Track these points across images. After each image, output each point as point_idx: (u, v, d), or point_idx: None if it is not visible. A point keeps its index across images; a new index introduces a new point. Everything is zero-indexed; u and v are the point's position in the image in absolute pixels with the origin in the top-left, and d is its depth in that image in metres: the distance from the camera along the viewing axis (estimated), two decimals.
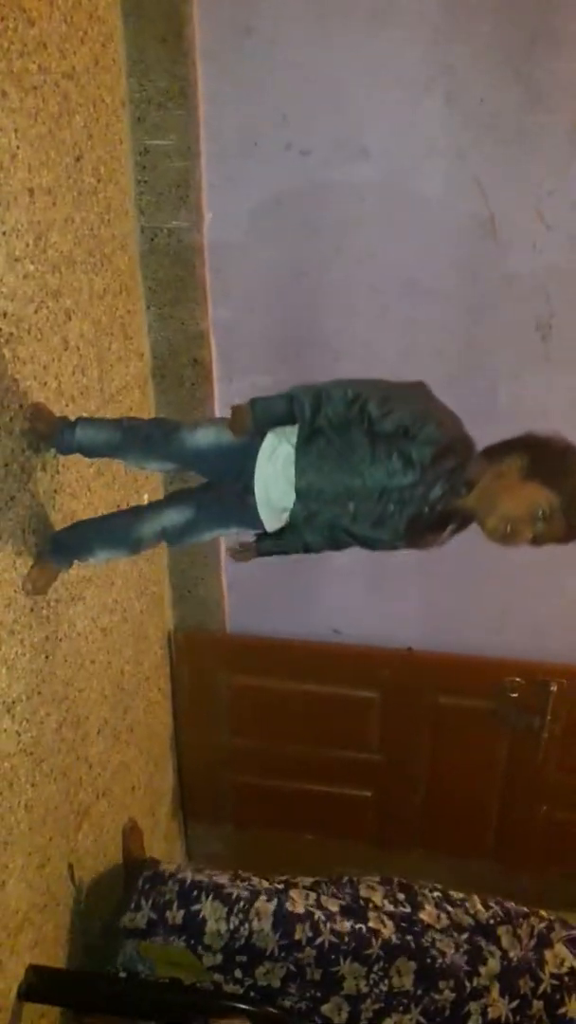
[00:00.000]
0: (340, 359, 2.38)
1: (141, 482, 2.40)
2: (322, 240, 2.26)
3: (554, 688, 2.67)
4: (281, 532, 1.73)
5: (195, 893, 2.17)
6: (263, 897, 2.16)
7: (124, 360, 2.21)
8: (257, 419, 1.61)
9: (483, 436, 2.36)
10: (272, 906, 2.13)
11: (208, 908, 2.14)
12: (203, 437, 1.69)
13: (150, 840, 2.70)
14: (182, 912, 2.14)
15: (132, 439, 1.74)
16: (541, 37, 1.98)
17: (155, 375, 2.44)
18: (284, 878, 2.37)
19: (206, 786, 3.14)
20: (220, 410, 2.51)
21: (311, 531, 1.65)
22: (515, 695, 2.70)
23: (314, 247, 2.27)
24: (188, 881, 2.20)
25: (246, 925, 2.10)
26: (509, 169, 2.11)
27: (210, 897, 2.16)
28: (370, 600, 2.78)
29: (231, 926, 2.10)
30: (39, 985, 1.87)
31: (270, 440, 1.62)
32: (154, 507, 1.83)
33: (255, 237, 2.28)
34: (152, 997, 2.01)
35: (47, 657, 1.90)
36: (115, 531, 1.82)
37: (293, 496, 1.61)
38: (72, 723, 2.08)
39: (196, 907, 2.14)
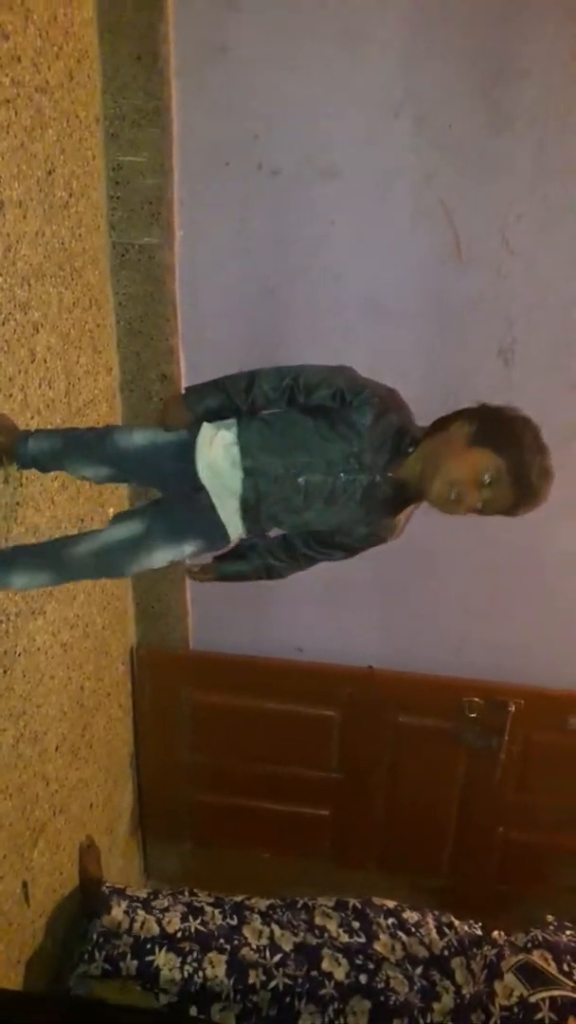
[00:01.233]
0: None
1: (106, 496, 2.39)
2: (291, 259, 2.28)
3: (512, 708, 2.69)
4: (241, 554, 1.72)
5: (148, 946, 2.18)
6: (215, 950, 2.17)
7: (92, 374, 2.21)
8: (191, 408, 1.59)
9: None
10: (225, 956, 2.15)
11: (162, 959, 2.15)
12: (139, 437, 1.66)
13: (107, 858, 2.67)
14: (136, 963, 2.15)
15: (71, 444, 1.71)
16: (507, 64, 2.03)
17: (123, 389, 2.44)
18: (240, 899, 2.36)
19: (165, 804, 3.11)
20: None
21: (266, 518, 1.61)
22: (474, 715, 2.73)
23: (283, 266, 2.29)
24: (141, 937, 2.21)
25: (200, 973, 2.12)
26: (475, 194, 2.15)
27: (163, 949, 2.16)
28: (332, 618, 2.79)
29: (185, 974, 2.12)
30: None
31: (206, 429, 1.60)
32: (97, 530, 1.74)
33: (225, 255, 2.30)
34: (111, 1019, 1.98)
35: (5, 671, 1.88)
36: (42, 553, 1.70)
37: (240, 476, 1.58)
38: (30, 739, 2.06)
39: (150, 958, 2.15)
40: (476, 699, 2.71)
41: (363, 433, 1.54)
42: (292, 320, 2.36)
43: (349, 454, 1.54)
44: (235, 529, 1.65)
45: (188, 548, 1.67)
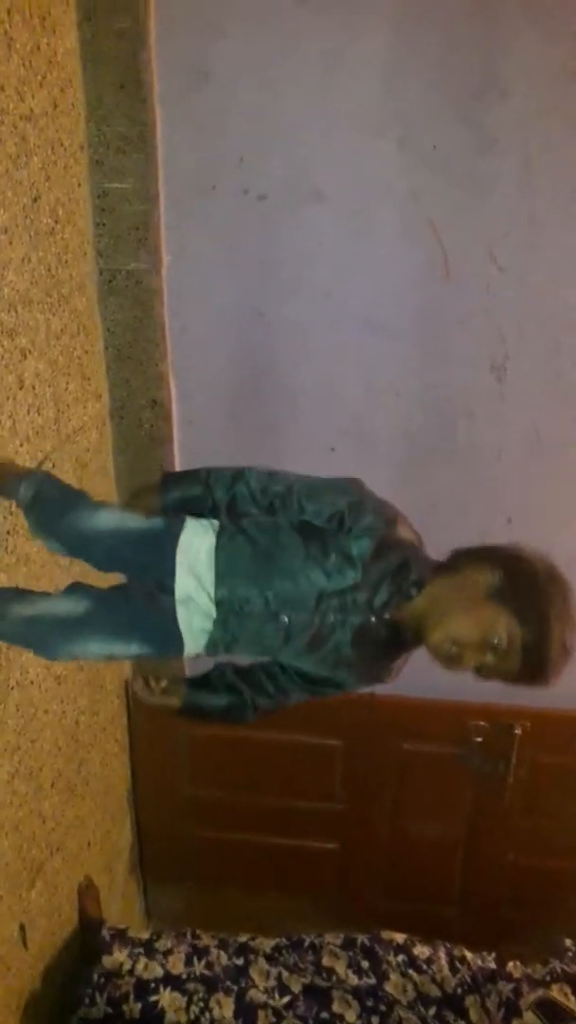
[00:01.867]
0: (298, 399, 2.40)
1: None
2: (279, 281, 2.28)
3: (518, 731, 2.64)
4: (215, 687, 1.46)
5: (152, 986, 2.10)
6: (221, 992, 2.08)
7: (81, 401, 2.19)
8: (165, 501, 1.39)
9: (443, 478, 2.41)
10: (232, 998, 2.07)
11: (166, 999, 2.07)
12: (104, 519, 1.42)
13: (107, 898, 2.60)
14: (139, 1005, 2.06)
15: (36, 502, 1.48)
16: (488, 83, 2.04)
17: (113, 416, 2.42)
18: (245, 940, 2.29)
19: (165, 841, 3.04)
20: (180, 452, 2.50)
21: (235, 650, 1.38)
22: (480, 739, 2.68)
23: (271, 288, 2.29)
24: (144, 978, 2.12)
25: (207, 1014, 2.03)
26: (462, 212, 2.16)
27: (168, 988, 2.08)
28: None
29: (191, 1016, 2.02)
30: None
31: (194, 526, 1.38)
32: (47, 594, 1.54)
33: (214, 279, 2.29)
34: None
35: None
36: None
37: (213, 607, 1.35)
38: (24, 775, 2.00)
39: (154, 998, 2.07)
40: (481, 723, 2.66)
41: (360, 567, 1.32)
42: (283, 342, 2.36)
43: (343, 590, 1.32)
44: (193, 647, 1.41)
45: (132, 649, 1.44)
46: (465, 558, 1.35)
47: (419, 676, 2.68)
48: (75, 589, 1.49)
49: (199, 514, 1.41)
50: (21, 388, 1.84)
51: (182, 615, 1.38)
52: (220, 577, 1.34)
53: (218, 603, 1.35)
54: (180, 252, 2.27)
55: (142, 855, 3.06)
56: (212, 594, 1.35)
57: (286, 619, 1.34)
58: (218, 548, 1.35)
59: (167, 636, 1.40)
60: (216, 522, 1.40)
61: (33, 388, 1.90)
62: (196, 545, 1.37)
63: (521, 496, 2.39)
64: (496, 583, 1.29)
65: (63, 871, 2.27)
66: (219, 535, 1.37)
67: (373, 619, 1.34)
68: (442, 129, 2.09)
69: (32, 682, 2.01)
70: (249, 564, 1.34)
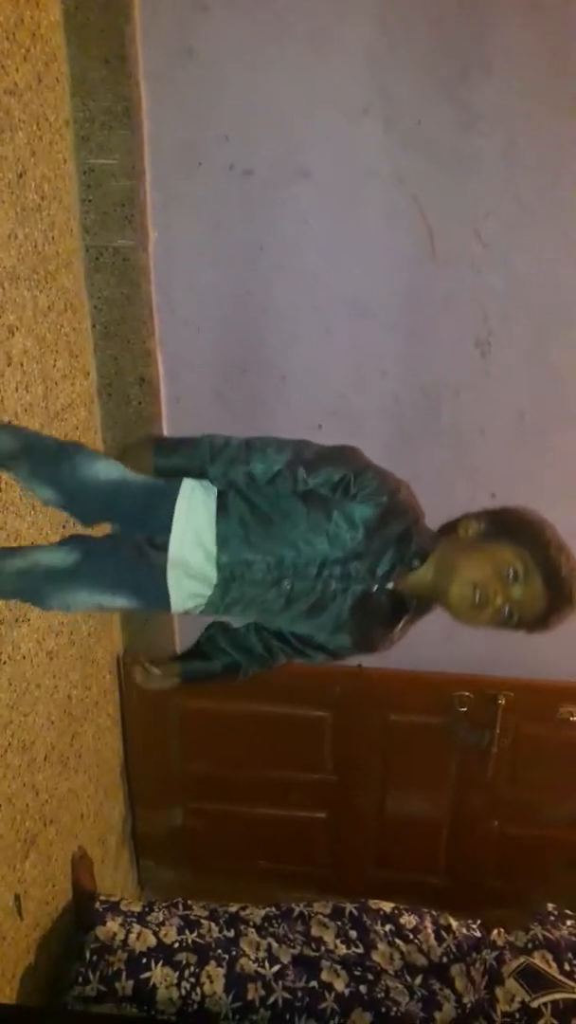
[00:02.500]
0: (286, 377, 2.41)
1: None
2: (266, 259, 2.28)
3: (502, 701, 2.69)
4: (205, 653, 1.50)
5: (144, 961, 2.13)
6: (213, 961, 2.12)
7: (69, 378, 2.19)
8: (158, 462, 1.36)
9: (428, 456, 2.43)
10: (223, 969, 2.10)
11: (158, 975, 2.10)
12: (105, 470, 1.40)
13: (100, 869, 2.64)
14: (131, 982, 2.10)
15: (27, 451, 1.45)
16: (473, 63, 2.04)
17: (101, 393, 2.42)
18: (235, 910, 2.33)
19: (157, 813, 3.08)
20: (168, 430, 2.51)
21: (233, 613, 1.39)
22: (464, 710, 2.72)
23: (258, 266, 2.29)
24: (136, 951, 2.15)
25: (198, 990, 2.06)
26: (447, 191, 2.16)
27: (159, 964, 2.12)
28: None
29: (182, 992, 2.07)
30: None
31: (194, 489, 1.37)
32: (40, 546, 1.55)
33: (200, 256, 2.30)
34: None
35: None
36: None
37: (213, 571, 1.35)
38: (18, 749, 2.03)
39: (145, 975, 2.10)
40: (466, 693, 2.71)
41: (363, 534, 1.32)
42: (270, 320, 2.36)
43: (346, 557, 1.32)
44: (180, 604, 1.41)
45: (119, 601, 1.43)
46: (452, 522, 1.40)
47: (405, 648, 2.74)
48: (67, 541, 1.48)
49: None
50: (9, 365, 1.85)
51: (172, 576, 1.37)
52: (222, 542, 1.34)
53: (219, 568, 1.34)
54: (167, 229, 2.27)
55: (135, 827, 3.10)
56: (214, 559, 1.34)
57: (288, 585, 1.34)
58: (219, 513, 1.34)
59: (154, 592, 1.39)
60: (212, 494, 1.39)
61: (21, 365, 1.91)
62: (197, 509, 1.36)
63: (505, 474, 2.41)
64: (485, 526, 1.34)
65: (57, 843, 2.30)
66: (220, 499, 1.36)
67: (375, 588, 1.35)
68: (427, 108, 2.09)
69: (24, 657, 2.03)
70: (251, 529, 1.33)
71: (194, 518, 1.36)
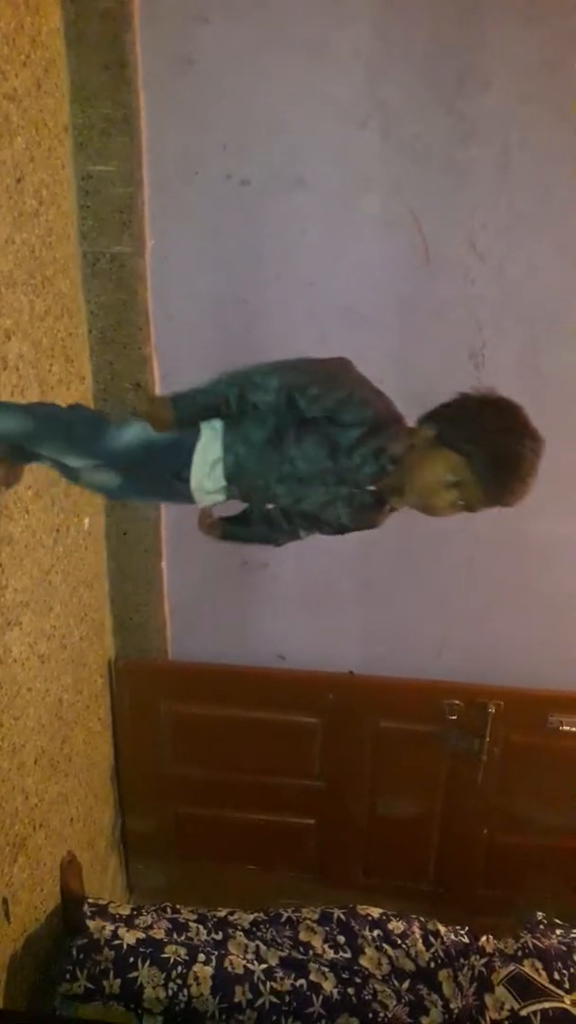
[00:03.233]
0: None
1: (82, 505, 2.38)
2: (262, 268, 2.30)
3: (492, 710, 2.70)
4: (245, 520, 1.72)
5: (131, 960, 2.12)
6: (201, 959, 2.12)
7: (65, 383, 2.20)
8: (180, 415, 1.55)
9: None
10: (210, 969, 2.09)
11: (145, 975, 2.09)
12: (132, 435, 1.58)
13: (89, 873, 2.63)
14: (119, 981, 2.08)
15: (50, 429, 1.61)
16: (470, 75, 2.06)
17: (97, 399, 2.43)
18: (224, 914, 2.33)
19: (147, 817, 3.08)
20: None
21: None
22: (454, 718, 2.73)
23: (254, 274, 2.31)
24: (124, 947, 2.15)
25: (185, 991, 2.06)
26: (443, 201, 2.18)
27: (147, 963, 2.11)
28: (312, 624, 2.79)
29: (169, 992, 2.06)
30: None
31: (207, 435, 1.56)
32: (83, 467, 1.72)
33: (197, 263, 2.31)
34: None
35: None
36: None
37: (227, 490, 1.59)
38: (7, 752, 2.03)
39: (133, 974, 2.09)
40: (456, 701, 2.72)
41: (345, 454, 1.52)
42: (265, 328, 2.37)
43: (331, 470, 1.54)
44: (204, 504, 1.67)
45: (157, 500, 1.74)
46: (418, 423, 1.55)
47: (396, 656, 2.76)
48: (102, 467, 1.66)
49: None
50: (5, 369, 1.85)
51: (196, 495, 1.61)
52: (227, 448, 1.54)
53: (226, 468, 1.56)
54: (164, 236, 2.28)
55: (124, 831, 3.10)
56: (226, 484, 1.58)
57: (281, 490, 1.57)
58: (225, 429, 1.55)
59: (182, 501, 1.65)
60: (219, 424, 1.56)
61: (17, 369, 1.91)
62: (209, 446, 1.56)
63: None
64: (434, 432, 1.49)
65: (46, 847, 2.30)
66: (226, 429, 1.55)
67: (357, 490, 1.57)
68: (423, 118, 2.11)
69: (15, 660, 2.04)
70: (252, 447, 1.54)
71: (208, 452, 1.56)
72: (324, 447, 1.52)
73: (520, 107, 2.09)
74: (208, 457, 1.57)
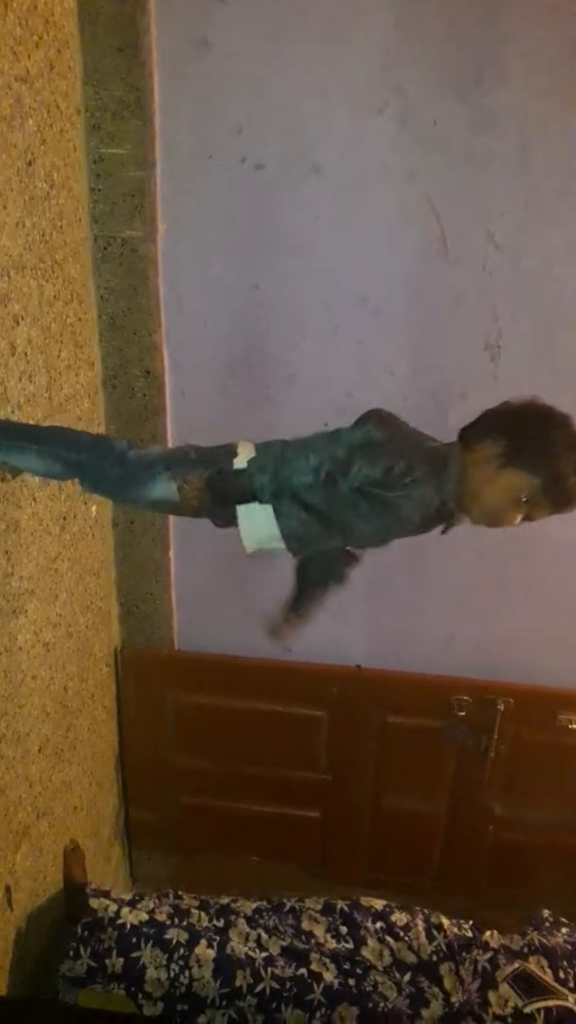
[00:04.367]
0: (293, 373, 2.39)
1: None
2: (275, 254, 2.27)
3: (501, 707, 2.68)
4: (301, 586, 1.74)
5: (134, 940, 2.13)
6: (203, 942, 2.12)
7: (74, 368, 2.18)
8: (211, 504, 1.52)
9: None
10: (212, 952, 2.09)
11: (148, 955, 2.09)
12: (159, 494, 1.56)
13: (92, 862, 2.63)
14: (121, 960, 2.09)
15: (79, 473, 1.59)
16: (487, 67, 2.02)
17: (106, 385, 2.41)
18: (226, 902, 2.33)
19: (151, 806, 3.07)
20: (172, 423, 2.49)
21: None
22: (463, 714, 2.71)
23: (267, 261, 2.28)
24: (128, 927, 2.15)
25: (186, 973, 2.06)
26: (460, 190, 2.14)
27: (149, 944, 2.12)
28: (320, 617, 2.76)
29: (171, 974, 2.06)
30: None
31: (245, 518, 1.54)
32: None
33: (209, 249, 2.28)
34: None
35: None
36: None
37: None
38: (12, 740, 2.02)
39: (136, 954, 2.10)
40: (465, 697, 2.69)
41: (406, 509, 1.49)
42: (277, 316, 2.35)
43: (393, 525, 1.53)
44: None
45: None
46: (471, 436, 1.51)
47: (405, 650, 2.74)
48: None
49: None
50: (13, 355, 1.83)
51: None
52: (290, 542, 1.54)
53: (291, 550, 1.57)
54: (176, 221, 2.25)
55: (128, 821, 3.09)
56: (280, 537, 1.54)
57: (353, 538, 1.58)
58: (279, 520, 1.51)
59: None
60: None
61: (25, 355, 1.89)
62: (257, 522, 1.53)
63: None
64: (500, 450, 1.45)
65: (49, 835, 2.30)
66: (275, 510, 1.51)
67: (419, 519, 1.53)
68: (442, 107, 2.07)
69: (21, 648, 2.02)
70: (312, 527, 1.51)
71: (256, 529, 1.53)
72: (377, 511, 1.49)
73: (540, 98, 2.05)
74: (255, 531, 1.54)
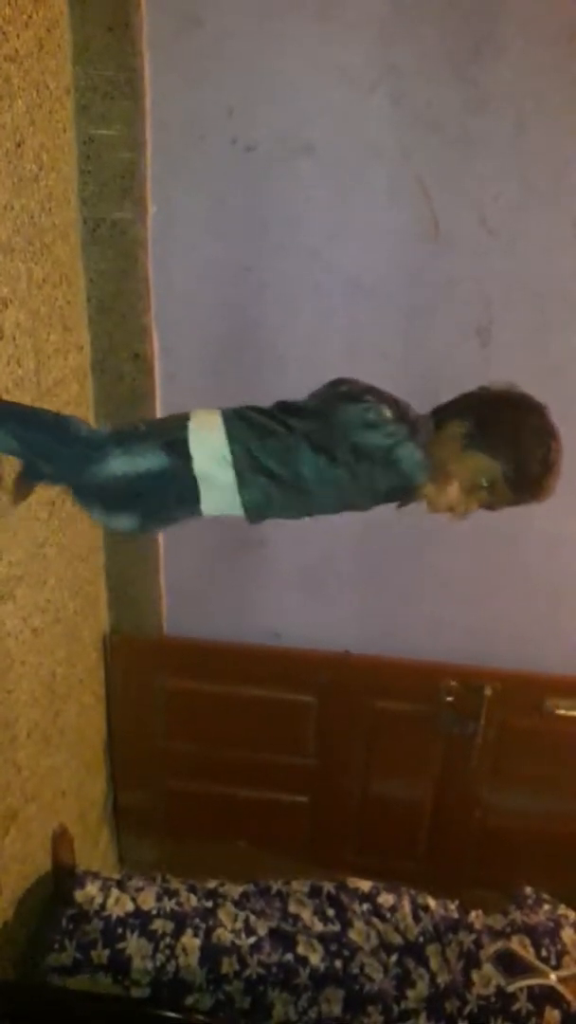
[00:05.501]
0: (283, 357, 2.37)
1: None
2: (267, 236, 2.25)
3: (488, 692, 2.69)
4: None
5: (120, 931, 2.13)
6: (189, 931, 2.12)
7: (62, 352, 2.16)
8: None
9: None
10: (198, 941, 2.10)
11: (133, 946, 2.10)
12: (117, 465, 1.51)
13: (80, 846, 2.63)
14: (107, 951, 2.09)
15: (36, 453, 1.55)
16: (485, 43, 2.00)
17: (95, 369, 2.39)
18: (213, 886, 2.34)
19: (139, 791, 3.08)
20: (162, 407, 2.47)
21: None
22: (450, 699, 2.72)
23: (259, 243, 2.26)
24: (113, 918, 2.15)
25: (172, 962, 2.07)
26: (454, 172, 2.13)
27: (135, 933, 2.12)
28: (308, 603, 2.77)
29: (157, 963, 2.07)
30: None
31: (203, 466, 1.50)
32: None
33: (200, 231, 2.26)
34: (91, 1007, 1.95)
35: None
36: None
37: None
38: (0, 725, 2.01)
39: (121, 945, 2.10)
40: (452, 683, 2.70)
41: (380, 464, 1.46)
42: (268, 298, 2.33)
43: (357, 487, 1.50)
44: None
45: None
46: (442, 416, 1.52)
47: (393, 635, 2.74)
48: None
49: None
50: (1, 338, 1.81)
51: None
52: (250, 508, 1.50)
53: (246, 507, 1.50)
54: (166, 202, 2.23)
55: (116, 805, 3.10)
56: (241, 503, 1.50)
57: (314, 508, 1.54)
58: (240, 487, 1.48)
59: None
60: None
61: (14, 339, 1.87)
62: (217, 494, 1.50)
63: None
64: (466, 431, 1.46)
65: (37, 819, 2.30)
66: (238, 477, 1.48)
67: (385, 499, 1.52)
68: (436, 86, 2.05)
69: (9, 634, 2.02)
70: (276, 496, 1.48)
71: (216, 498, 1.50)
72: (360, 480, 1.46)
73: (537, 77, 2.03)
74: (216, 500, 1.51)
